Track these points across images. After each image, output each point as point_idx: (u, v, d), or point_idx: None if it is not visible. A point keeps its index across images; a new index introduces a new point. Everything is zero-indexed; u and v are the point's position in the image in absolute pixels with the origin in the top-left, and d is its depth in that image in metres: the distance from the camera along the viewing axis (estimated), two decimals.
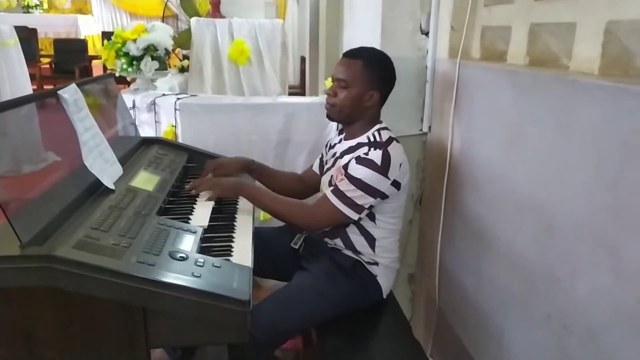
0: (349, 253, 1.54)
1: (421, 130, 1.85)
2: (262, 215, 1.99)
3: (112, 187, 1.32)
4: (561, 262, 1.05)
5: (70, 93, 1.31)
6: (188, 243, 1.18)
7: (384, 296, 1.58)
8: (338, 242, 1.56)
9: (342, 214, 1.44)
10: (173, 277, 0.99)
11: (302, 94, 4.88)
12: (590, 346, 0.97)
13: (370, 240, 1.52)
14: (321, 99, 2.19)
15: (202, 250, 1.21)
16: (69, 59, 6.52)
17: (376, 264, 1.54)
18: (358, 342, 1.45)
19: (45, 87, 6.46)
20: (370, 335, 1.50)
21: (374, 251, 1.53)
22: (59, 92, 1.27)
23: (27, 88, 3.80)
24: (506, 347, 1.30)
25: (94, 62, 6.92)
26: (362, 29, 2.05)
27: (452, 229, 1.64)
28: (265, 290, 2.11)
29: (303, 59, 5.21)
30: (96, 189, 1.29)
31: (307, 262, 1.60)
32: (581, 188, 0.99)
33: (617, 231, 0.90)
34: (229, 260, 1.21)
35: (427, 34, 1.77)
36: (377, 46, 1.76)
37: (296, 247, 1.65)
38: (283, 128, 2.16)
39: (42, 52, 7.18)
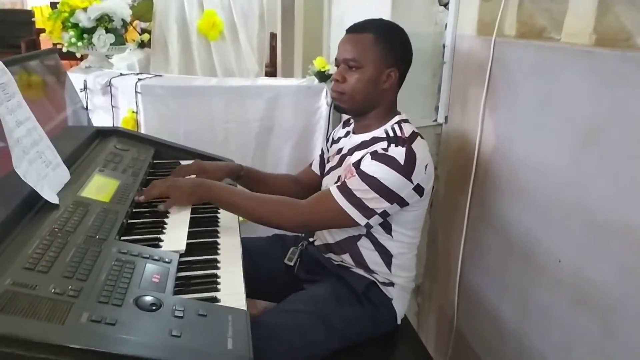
0: (361, 272, 1.27)
1: (435, 120, 1.58)
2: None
3: (55, 200, 0.99)
4: None
5: None
6: (161, 280, 0.87)
7: (399, 321, 1.32)
8: (346, 259, 1.28)
9: (346, 216, 1.15)
10: (142, 346, 0.69)
11: (274, 73, 4.54)
12: None
13: (387, 256, 1.25)
14: (309, 81, 1.91)
15: (179, 284, 0.92)
16: (14, 32, 5.99)
17: (392, 285, 1.28)
18: None
19: None
20: None
21: (390, 270, 1.26)
22: None
23: None
24: None
25: (42, 35, 6.33)
26: (362, 1, 1.74)
27: (480, 241, 1.38)
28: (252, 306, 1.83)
29: (273, 35, 4.85)
30: (32, 206, 0.96)
31: (306, 282, 1.33)
32: None
33: None
34: (217, 299, 0.92)
35: (446, 5, 1.48)
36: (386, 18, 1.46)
37: (291, 263, 1.37)
38: (265, 115, 1.91)
39: None
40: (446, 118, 1.55)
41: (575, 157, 1.02)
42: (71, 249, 0.86)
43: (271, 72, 4.67)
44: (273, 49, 4.95)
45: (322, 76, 1.86)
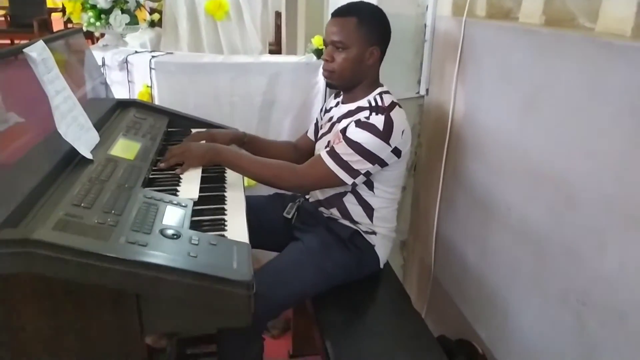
0: (346, 223, 1.47)
1: (418, 93, 1.76)
2: (247, 180, 1.90)
3: (89, 156, 1.19)
4: (584, 236, 1.00)
5: (39, 51, 1.15)
6: (179, 219, 1.08)
7: (381, 266, 1.53)
8: (334, 212, 1.48)
9: (335, 177, 1.35)
10: (168, 259, 0.90)
11: (279, 51, 4.67)
12: (613, 325, 0.93)
13: (369, 209, 1.45)
14: (308, 58, 2.07)
15: (193, 225, 1.12)
16: (26, 12, 6.10)
17: (374, 233, 1.48)
18: (356, 314, 1.41)
19: (0, 42, 6.04)
20: (368, 304, 1.46)
21: (372, 221, 1.46)
22: (25, 50, 1.12)
23: None
24: (513, 320, 1.27)
25: (53, 15, 6.47)
26: None
27: (451, 198, 1.58)
28: (255, 261, 2.04)
29: (278, 14, 4.97)
30: (72, 159, 1.16)
31: (301, 232, 1.53)
32: (612, 158, 0.93)
33: None
34: (224, 236, 1.12)
35: None
36: (373, 1, 1.63)
37: (289, 216, 1.57)
38: (267, 90, 2.04)
39: None
40: (427, 90, 1.73)
41: (520, 120, 1.21)
42: (107, 193, 1.06)
43: (276, 50, 4.77)
44: (278, 27, 5.05)
45: (320, 53, 2.00)
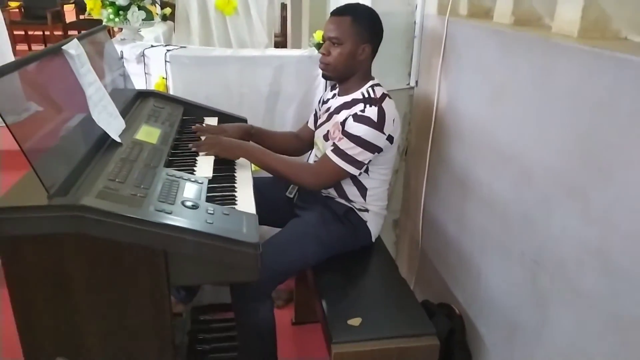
0: (342, 201, 1.66)
1: (408, 84, 1.94)
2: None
3: (118, 140, 1.38)
4: (536, 205, 1.19)
5: (74, 48, 1.34)
6: (197, 193, 1.27)
7: (373, 240, 1.72)
8: (332, 192, 1.67)
9: (344, 172, 1.53)
10: (190, 224, 1.09)
11: (284, 42, 4.83)
12: (559, 279, 1.12)
13: (362, 190, 1.63)
14: (310, 52, 2.23)
15: (208, 199, 1.30)
16: (39, 3, 6.27)
17: (366, 210, 1.66)
18: (350, 280, 1.59)
19: (15, 33, 6.22)
20: (361, 273, 1.65)
21: (365, 200, 1.65)
22: (63, 47, 1.31)
23: (3, 36, 3.69)
24: (484, 282, 1.46)
25: (66, 6, 6.65)
26: None
27: (436, 178, 1.77)
28: (260, 237, 2.22)
29: (284, 6, 5.12)
30: (104, 142, 1.35)
31: (301, 209, 1.71)
32: (556, 140, 1.11)
33: (586, 179, 1.03)
34: (235, 208, 1.31)
35: None
36: (368, 1, 1.81)
37: (291, 196, 1.76)
38: (273, 81, 2.19)
39: None
40: (417, 82, 1.91)
41: (490, 109, 1.39)
42: (136, 170, 1.25)
43: (282, 42, 4.93)
44: (284, 19, 5.20)
45: (321, 47, 2.18)
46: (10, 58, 3.72)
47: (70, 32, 6.38)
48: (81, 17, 6.67)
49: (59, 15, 6.35)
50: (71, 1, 6.74)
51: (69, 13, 6.77)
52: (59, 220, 1.01)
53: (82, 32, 1.64)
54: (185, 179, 1.32)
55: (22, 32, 6.55)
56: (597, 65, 0.97)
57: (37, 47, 6.69)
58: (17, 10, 6.55)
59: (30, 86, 1.16)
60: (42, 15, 6.12)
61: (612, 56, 0.93)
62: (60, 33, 6.31)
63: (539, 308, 1.18)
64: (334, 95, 1.71)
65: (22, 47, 6.43)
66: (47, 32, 6.44)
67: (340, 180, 1.60)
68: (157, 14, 3.31)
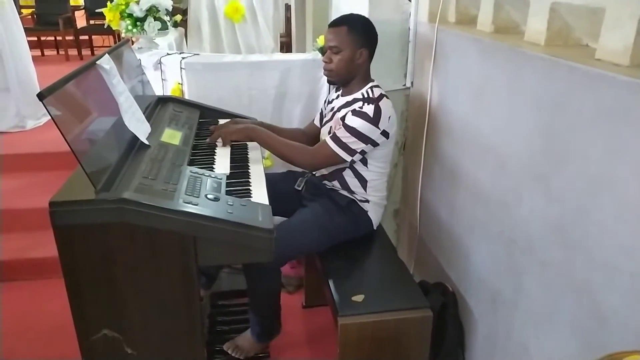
0: (345, 193, 1.84)
1: (404, 85, 2.11)
2: (265, 162, 2.25)
3: (147, 142, 1.57)
4: (510, 190, 1.37)
5: (107, 62, 1.52)
6: (217, 187, 1.45)
7: (374, 228, 1.90)
8: (335, 184, 1.85)
9: (337, 156, 1.71)
10: (214, 213, 1.27)
11: (289, 42, 4.99)
12: (529, 253, 1.30)
13: (363, 181, 1.82)
14: (314, 55, 2.39)
15: (227, 192, 1.49)
16: (51, 10, 6.45)
17: (367, 201, 1.84)
18: (354, 264, 1.78)
19: (28, 39, 6.42)
20: (364, 258, 1.83)
21: (365, 191, 1.83)
22: (98, 62, 1.49)
23: (23, 43, 3.89)
24: (472, 260, 1.64)
25: (77, 12, 6.85)
26: None
27: (430, 170, 1.95)
28: None
29: (288, 7, 5.28)
30: (134, 144, 1.54)
31: (308, 201, 1.90)
32: (524, 135, 1.30)
33: (547, 167, 1.21)
34: (250, 200, 1.49)
35: None
36: (365, 9, 1.98)
37: (299, 188, 1.95)
38: (279, 83, 2.35)
39: (22, 2, 7.04)
40: (412, 83, 2.09)
41: (473, 107, 1.57)
42: (164, 169, 1.44)
43: (286, 41, 5.11)
44: (288, 19, 5.37)
45: (324, 51, 2.34)
46: (29, 64, 3.90)
47: (81, 37, 6.58)
48: (91, 22, 6.87)
49: (70, 21, 6.51)
50: (82, 7, 6.94)
51: (80, 19, 6.96)
52: (105, 212, 1.20)
53: (110, 46, 1.82)
54: (207, 176, 1.50)
55: (35, 38, 6.74)
56: (555, 71, 1.14)
57: (50, 53, 6.89)
58: (30, 17, 6.74)
59: (75, 98, 1.36)
60: (54, 21, 6.28)
61: (565, 64, 1.10)
62: (71, 38, 6.50)
63: (515, 279, 1.37)
64: (338, 96, 1.89)
65: (35, 52, 6.60)
66: (59, 38, 6.64)
67: (334, 165, 1.77)
68: (168, 21, 3.51)
